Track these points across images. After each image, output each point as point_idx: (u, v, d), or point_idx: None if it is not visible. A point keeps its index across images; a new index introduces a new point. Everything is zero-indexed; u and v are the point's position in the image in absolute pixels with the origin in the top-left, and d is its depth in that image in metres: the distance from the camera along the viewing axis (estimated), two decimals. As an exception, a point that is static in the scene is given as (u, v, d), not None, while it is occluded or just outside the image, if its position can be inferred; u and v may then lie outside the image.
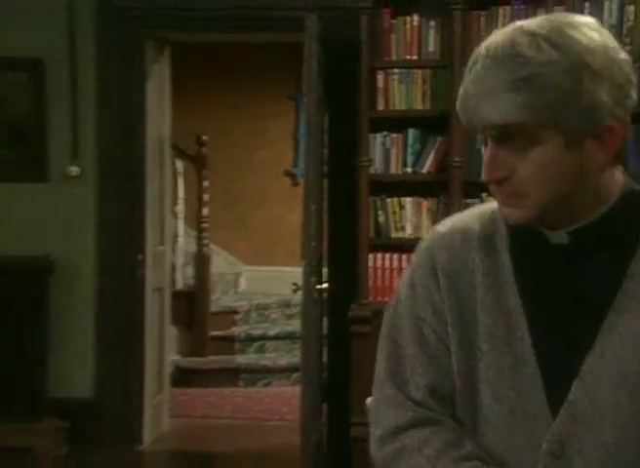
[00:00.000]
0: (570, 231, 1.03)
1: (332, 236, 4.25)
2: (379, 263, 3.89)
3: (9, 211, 4.57)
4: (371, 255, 3.86)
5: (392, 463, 1.10)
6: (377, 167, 3.91)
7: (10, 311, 4.44)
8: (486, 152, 1.02)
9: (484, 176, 1.03)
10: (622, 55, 1.01)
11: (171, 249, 5.61)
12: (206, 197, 6.43)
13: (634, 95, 1.01)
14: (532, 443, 1.03)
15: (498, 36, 1.01)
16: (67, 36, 4.42)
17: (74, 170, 4.50)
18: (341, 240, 4.16)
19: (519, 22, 1.02)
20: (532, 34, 0.98)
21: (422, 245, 1.15)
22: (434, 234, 1.15)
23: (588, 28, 1.00)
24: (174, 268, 6.08)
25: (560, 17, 1.04)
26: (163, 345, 4.88)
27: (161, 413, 4.91)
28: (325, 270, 4.04)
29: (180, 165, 6.42)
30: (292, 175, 7.02)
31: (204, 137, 6.37)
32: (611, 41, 1.01)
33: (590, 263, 1.04)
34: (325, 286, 3.90)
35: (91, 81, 4.47)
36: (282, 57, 5.87)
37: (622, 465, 0.99)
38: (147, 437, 4.66)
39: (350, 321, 3.74)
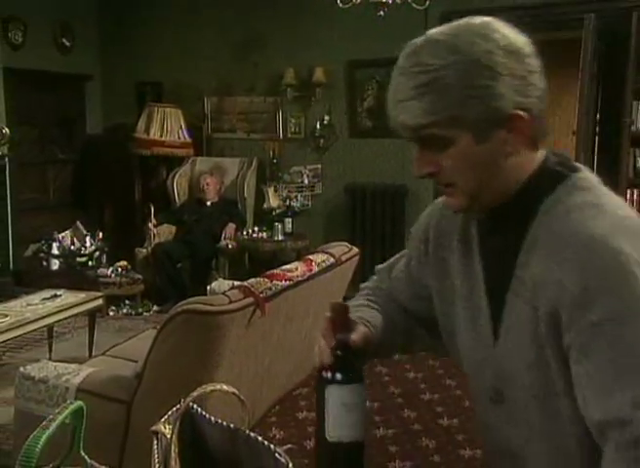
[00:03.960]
0: (490, 208, 1.02)
1: (599, 175, 4.93)
2: (635, 197, 4.27)
3: (386, 157, 5.68)
4: (628, 190, 4.22)
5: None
6: (638, 126, 4.25)
7: (381, 220, 5.44)
8: (414, 153, 1.01)
9: (413, 174, 1.07)
10: (525, 49, 0.97)
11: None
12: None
13: (540, 83, 0.98)
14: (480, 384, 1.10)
15: (408, 46, 0.98)
16: (416, 42, 5.46)
17: (416, 131, 5.53)
18: (606, 178, 4.85)
19: (429, 31, 0.98)
20: (434, 41, 0.96)
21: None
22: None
23: (488, 29, 0.96)
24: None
25: (463, 22, 0.99)
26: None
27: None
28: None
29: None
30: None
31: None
32: (511, 38, 0.96)
33: (499, 238, 1.04)
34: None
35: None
36: (566, 45, 5.48)
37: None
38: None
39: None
